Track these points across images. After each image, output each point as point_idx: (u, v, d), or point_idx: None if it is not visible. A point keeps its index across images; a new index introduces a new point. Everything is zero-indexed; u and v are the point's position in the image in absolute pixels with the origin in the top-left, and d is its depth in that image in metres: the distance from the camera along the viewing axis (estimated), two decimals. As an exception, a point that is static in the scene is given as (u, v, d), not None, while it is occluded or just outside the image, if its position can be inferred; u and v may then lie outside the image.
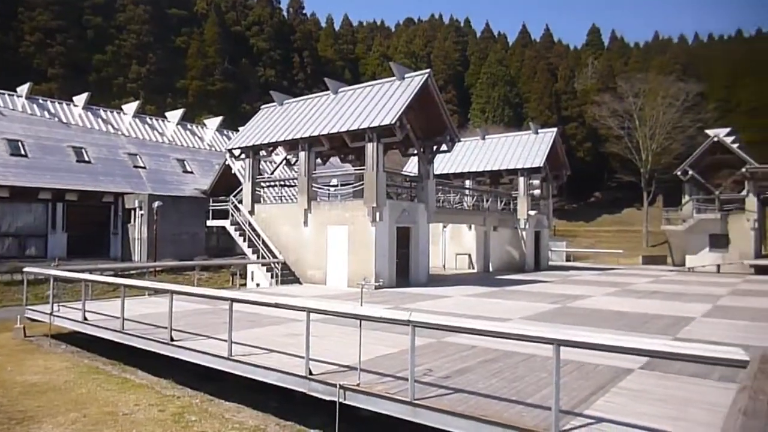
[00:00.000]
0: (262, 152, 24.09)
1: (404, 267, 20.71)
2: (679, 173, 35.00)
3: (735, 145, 35.10)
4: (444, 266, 31.04)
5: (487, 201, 28.06)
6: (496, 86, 76.13)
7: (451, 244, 31.26)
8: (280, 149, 24.87)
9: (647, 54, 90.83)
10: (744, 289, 20.58)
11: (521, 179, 29.96)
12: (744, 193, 31.89)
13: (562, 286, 21.12)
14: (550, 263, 34.39)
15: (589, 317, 12.74)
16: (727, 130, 37.14)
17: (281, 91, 33.38)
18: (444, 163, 32.23)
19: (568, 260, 41.85)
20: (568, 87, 78.79)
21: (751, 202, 31.20)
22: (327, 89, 23.04)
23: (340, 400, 6.56)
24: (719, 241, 31.84)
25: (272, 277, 20.76)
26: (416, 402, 5.94)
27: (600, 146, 71.35)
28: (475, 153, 32.85)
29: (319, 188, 21.84)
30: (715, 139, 34.31)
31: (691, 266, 32.24)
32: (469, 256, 30.53)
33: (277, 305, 7.86)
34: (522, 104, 77.06)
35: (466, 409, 5.68)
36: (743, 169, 30.76)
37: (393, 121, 18.24)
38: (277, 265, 20.81)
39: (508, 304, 15.00)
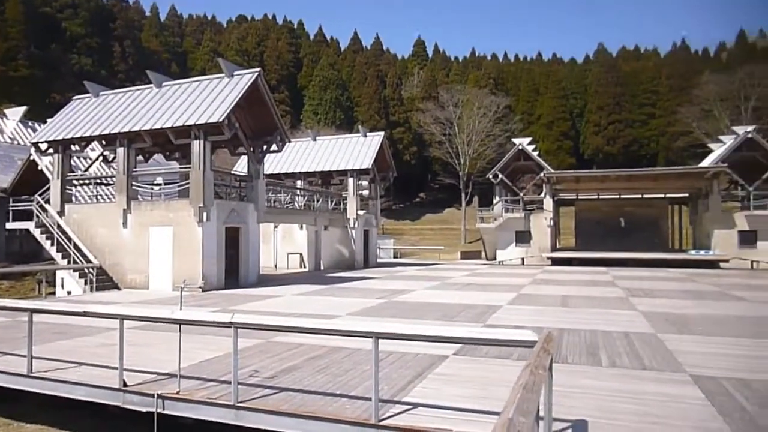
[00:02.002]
0: (75, 147, 21.79)
1: (234, 268, 20.18)
2: (490, 177, 38.65)
3: (535, 153, 39.82)
4: (276, 266, 30.77)
5: (318, 201, 28.45)
6: (328, 89, 77.38)
7: (282, 244, 31.09)
8: (95, 144, 22.76)
9: (465, 68, 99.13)
10: (542, 278, 23.43)
11: (351, 180, 30.86)
12: (542, 195, 36.30)
13: (388, 281, 22.16)
14: (379, 260, 35.87)
15: (411, 310, 13.55)
16: (529, 139, 42.04)
17: (99, 81, 30.37)
18: (275, 163, 31.96)
19: (395, 257, 44.01)
20: (396, 94, 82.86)
21: (548, 202, 35.63)
22: (150, 82, 21.57)
23: (159, 411, 6.21)
24: (523, 237, 35.83)
25: (86, 283, 18.92)
26: (239, 405, 5.84)
27: (424, 150, 76.23)
28: (306, 154, 33.08)
29: (141, 187, 20.37)
30: (520, 147, 38.50)
31: (501, 260, 35.85)
32: (301, 255, 30.64)
33: (85, 314, 7.16)
34: (353, 108, 79.28)
35: (290, 408, 5.72)
36: (541, 174, 35.02)
37: (221, 119, 17.67)
38: (91, 270, 18.99)
39: (337, 301, 15.36)
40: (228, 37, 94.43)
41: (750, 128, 33.46)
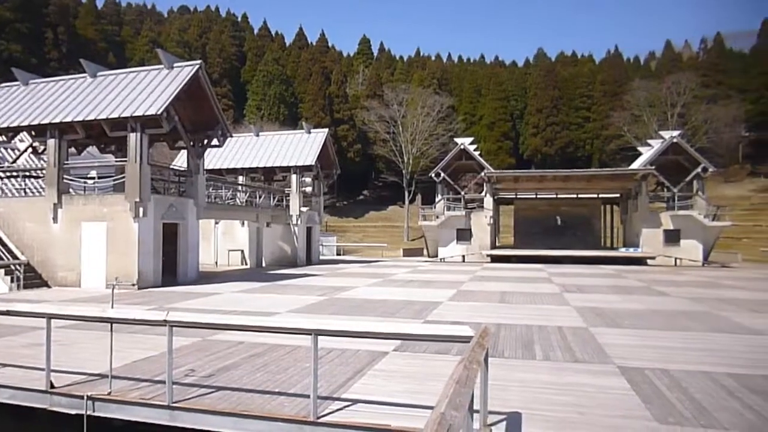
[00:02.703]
0: (1, 137, 20.59)
1: (172, 265, 19.63)
2: (433, 175, 39.18)
3: (476, 153, 40.66)
4: (216, 263, 30.09)
5: (260, 197, 28.02)
6: (272, 84, 76.19)
7: (223, 240, 30.45)
8: (24, 135, 21.57)
9: (410, 67, 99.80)
10: (481, 275, 23.98)
11: (294, 176, 30.59)
12: (483, 193, 37.15)
13: (330, 278, 22.10)
14: (322, 257, 35.73)
15: (352, 307, 13.57)
16: (471, 139, 42.89)
17: (30, 69, 28.65)
18: (216, 158, 31.27)
19: (338, 254, 43.91)
20: (341, 91, 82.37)
21: (489, 201, 36.51)
22: (85, 72, 20.65)
23: (89, 413, 5.97)
24: (464, 235, 36.57)
25: (13, 281, 17.94)
26: (174, 405, 5.70)
27: (368, 148, 76.29)
28: (248, 149, 32.55)
29: (73, 180, 19.47)
30: (462, 146, 39.23)
31: (442, 257, 36.44)
32: (242, 252, 30.12)
33: (8, 312, 6.78)
34: (297, 104, 78.38)
35: (227, 407, 5.63)
36: (482, 174, 35.83)
37: (159, 112, 17.12)
38: (18, 267, 18.02)
39: (277, 298, 15.20)
40: (169, 27, 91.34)
41: (675, 133, 35.44)
